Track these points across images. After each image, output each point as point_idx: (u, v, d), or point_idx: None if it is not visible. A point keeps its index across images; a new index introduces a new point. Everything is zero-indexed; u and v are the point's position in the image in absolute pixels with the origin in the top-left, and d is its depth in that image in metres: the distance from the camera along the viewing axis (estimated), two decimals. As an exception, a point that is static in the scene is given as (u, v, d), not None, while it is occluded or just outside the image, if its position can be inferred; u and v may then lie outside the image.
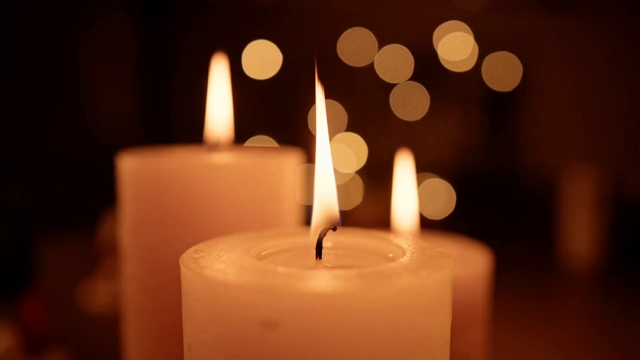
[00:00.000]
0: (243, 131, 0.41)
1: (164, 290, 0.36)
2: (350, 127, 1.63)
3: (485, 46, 1.65)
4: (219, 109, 0.41)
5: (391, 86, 1.67)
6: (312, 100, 0.27)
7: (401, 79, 1.66)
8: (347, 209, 1.45)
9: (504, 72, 1.66)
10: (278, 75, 1.65)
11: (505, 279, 0.63)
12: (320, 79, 0.27)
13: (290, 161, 0.39)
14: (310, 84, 0.28)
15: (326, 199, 0.27)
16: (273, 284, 0.22)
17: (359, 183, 1.57)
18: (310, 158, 0.29)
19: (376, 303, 0.21)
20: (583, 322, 0.90)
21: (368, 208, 1.42)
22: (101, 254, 0.84)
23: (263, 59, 1.65)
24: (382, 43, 1.66)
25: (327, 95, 0.27)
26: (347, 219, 1.31)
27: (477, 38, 1.64)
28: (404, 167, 0.42)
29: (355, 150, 1.62)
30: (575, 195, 1.17)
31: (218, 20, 1.74)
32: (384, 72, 1.67)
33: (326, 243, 0.28)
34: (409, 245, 0.27)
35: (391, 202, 0.41)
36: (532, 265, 1.16)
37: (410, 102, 1.67)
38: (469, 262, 0.39)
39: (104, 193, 0.77)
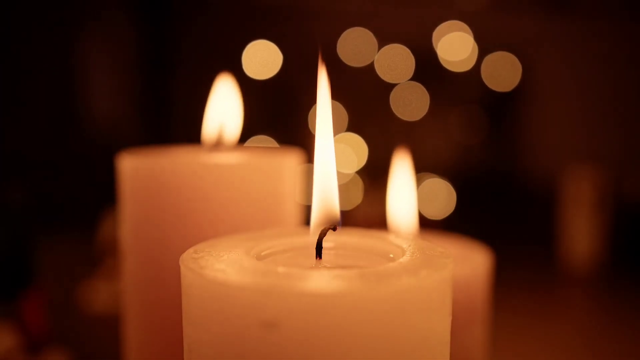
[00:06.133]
0: (243, 131, 0.41)
1: (164, 290, 0.36)
2: (351, 127, 1.63)
3: (485, 46, 1.65)
4: (229, 115, 0.41)
5: (391, 86, 1.67)
6: (312, 100, 0.27)
7: (401, 79, 1.66)
8: (347, 209, 1.45)
9: (504, 72, 1.66)
10: (278, 75, 1.65)
11: (505, 279, 0.63)
12: (323, 74, 0.27)
13: (290, 161, 0.39)
14: (311, 83, 0.28)
15: (327, 198, 0.27)
16: (273, 284, 0.22)
17: (359, 183, 1.57)
18: (310, 158, 0.29)
19: (376, 303, 0.21)
20: (583, 321, 0.90)
21: (368, 208, 1.42)
22: (101, 254, 0.84)
23: (263, 59, 1.65)
24: (382, 43, 1.66)
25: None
26: (347, 219, 1.31)
27: (477, 38, 1.64)
28: (402, 167, 0.42)
29: (356, 151, 1.62)
30: (576, 195, 1.17)
31: (218, 20, 1.74)
32: (384, 72, 1.67)
33: (326, 243, 0.28)
34: (409, 245, 0.27)
35: (389, 202, 0.41)
36: (533, 265, 1.16)
37: (411, 102, 1.67)
38: (469, 262, 0.39)
39: (104, 193, 0.77)
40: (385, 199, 0.41)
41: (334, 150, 0.28)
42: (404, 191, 0.41)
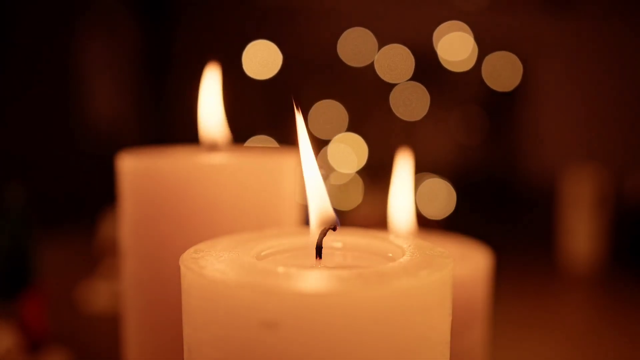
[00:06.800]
0: (243, 131, 0.41)
1: (164, 290, 0.36)
2: (351, 127, 1.63)
3: (485, 46, 1.65)
4: (212, 111, 0.41)
5: (391, 86, 1.67)
6: (312, 100, 0.27)
7: (401, 79, 1.66)
8: (347, 209, 1.45)
9: (504, 72, 1.66)
10: (278, 75, 1.65)
11: (505, 279, 0.63)
12: (299, 110, 0.27)
13: (290, 161, 0.39)
14: (310, 83, 0.28)
15: (320, 202, 0.27)
16: (273, 284, 0.22)
17: (359, 183, 1.57)
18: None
19: (376, 303, 0.21)
20: (583, 321, 0.90)
21: (368, 208, 1.42)
22: (101, 254, 0.84)
23: (263, 59, 1.65)
24: (382, 43, 1.66)
25: (328, 96, 0.27)
26: (347, 219, 1.31)
27: (477, 38, 1.64)
28: (403, 167, 0.42)
29: (356, 150, 1.62)
30: (576, 195, 1.17)
31: (218, 20, 1.74)
32: (384, 72, 1.67)
33: (326, 243, 0.28)
34: (409, 245, 0.27)
35: (389, 202, 0.41)
36: (533, 265, 1.16)
37: (411, 102, 1.67)
38: (469, 262, 0.39)
39: (104, 193, 0.77)
40: (386, 199, 0.41)
41: (314, 158, 0.28)
42: (404, 191, 0.41)
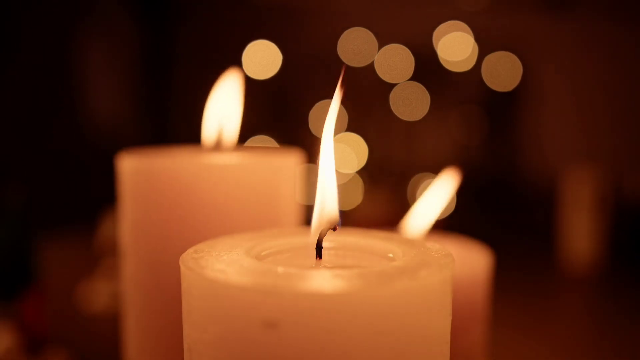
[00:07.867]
0: (243, 131, 0.41)
1: (164, 290, 0.36)
2: (351, 127, 1.63)
3: (485, 46, 1.65)
4: (226, 112, 0.41)
5: (391, 86, 1.67)
6: (312, 100, 0.27)
7: (401, 79, 1.66)
8: (347, 209, 1.45)
9: (504, 72, 1.66)
10: (278, 75, 1.65)
11: (505, 279, 0.63)
12: (342, 83, 0.27)
13: (290, 161, 0.39)
14: (310, 84, 0.28)
15: (326, 199, 0.27)
16: (273, 284, 0.22)
17: (359, 183, 1.57)
18: (310, 158, 0.29)
19: (376, 303, 0.21)
20: (583, 322, 0.90)
21: (368, 208, 1.42)
22: (101, 254, 0.84)
23: (263, 59, 1.65)
24: (382, 43, 1.66)
25: (327, 96, 0.27)
26: (347, 219, 1.31)
27: (477, 38, 1.64)
28: (445, 182, 0.42)
29: (356, 151, 1.62)
30: (576, 195, 1.17)
31: (218, 20, 1.74)
32: (384, 72, 1.67)
33: (326, 243, 0.28)
34: (409, 246, 0.27)
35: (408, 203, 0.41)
36: (532, 265, 1.16)
37: (410, 102, 1.67)
38: (469, 262, 0.39)
39: (104, 193, 0.77)
40: (385, 199, 0.41)
41: (333, 153, 0.28)
42: (434, 202, 0.41)
